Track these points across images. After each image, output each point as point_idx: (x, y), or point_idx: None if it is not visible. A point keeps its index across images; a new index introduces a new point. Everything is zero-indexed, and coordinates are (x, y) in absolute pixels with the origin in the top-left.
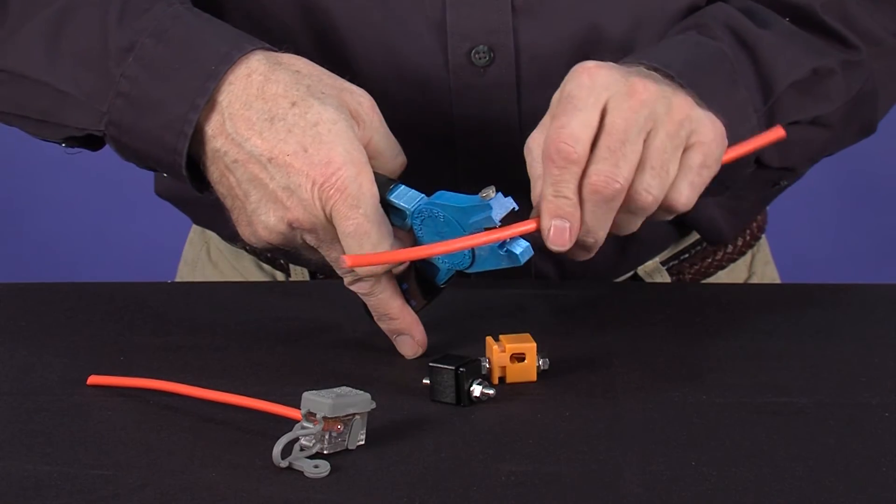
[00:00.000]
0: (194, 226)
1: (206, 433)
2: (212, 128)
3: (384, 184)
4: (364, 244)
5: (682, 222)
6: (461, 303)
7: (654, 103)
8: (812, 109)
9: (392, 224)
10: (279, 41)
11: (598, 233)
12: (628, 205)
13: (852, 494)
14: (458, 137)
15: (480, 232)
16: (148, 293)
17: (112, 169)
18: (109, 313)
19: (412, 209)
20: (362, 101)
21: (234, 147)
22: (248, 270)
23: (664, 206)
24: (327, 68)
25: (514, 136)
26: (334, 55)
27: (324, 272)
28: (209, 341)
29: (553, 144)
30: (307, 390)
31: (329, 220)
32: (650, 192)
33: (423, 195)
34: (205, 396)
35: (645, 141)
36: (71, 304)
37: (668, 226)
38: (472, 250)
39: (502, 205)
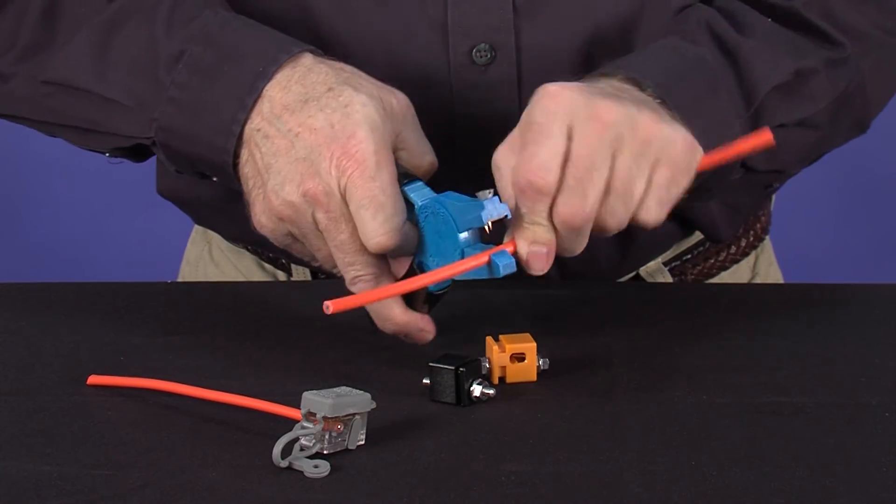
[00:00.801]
0: (196, 225)
1: (206, 433)
2: (251, 114)
3: (402, 175)
4: (378, 216)
5: (684, 219)
6: (461, 303)
7: (619, 125)
8: (797, 112)
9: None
10: None
11: (574, 250)
12: (594, 227)
13: (852, 494)
14: (458, 136)
15: (471, 230)
16: (148, 293)
17: (113, 169)
18: (109, 313)
19: (420, 204)
20: (399, 96)
21: (265, 124)
22: (249, 270)
23: (634, 224)
24: None
25: None
26: (335, 53)
27: (323, 272)
28: (209, 341)
29: (524, 177)
30: (307, 390)
31: (342, 195)
32: (615, 216)
33: (433, 194)
34: (205, 396)
35: (610, 165)
36: (71, 304)
37: (670, 226)
38: (462, 255)
39: (496, 207)
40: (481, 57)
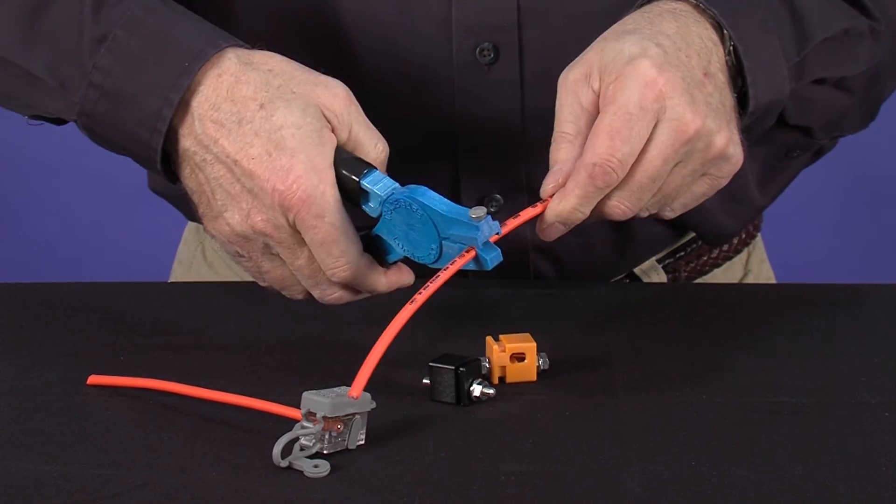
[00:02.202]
0: (189, 225)
1: (206, 433)
2: (182, 128)
3: (358, 168)
4: (333, 251)
5: (683, 225)
6: (461, 303)
7: (697, 141)
8: (840, 68)
9: (362, 209)
10: (285, 36)
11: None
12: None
13: (852, 494)
14: (460, 135)
15: (456, 243)
16: (148, 293)
17: (113, 169)
18: (109, 313)
19: (385, 196)
20: (337, 92)
21: (202, 149)
22: (244, 270)
23: (652, 215)
24: (331, 65)
25: (517, 135)
26: (339, 51)
27: (279, 290)
28: (209, 341)
29: (601, 163)
30: (307, 390)
31: (293, 227)
32: (648, 210)
33: (396, 183)
34: (205, 396)
35: (671, 169)
36: (71, 304)
37: (666, 226)
38: (440, 248)
39: (491, 228)
40: (485, 56)
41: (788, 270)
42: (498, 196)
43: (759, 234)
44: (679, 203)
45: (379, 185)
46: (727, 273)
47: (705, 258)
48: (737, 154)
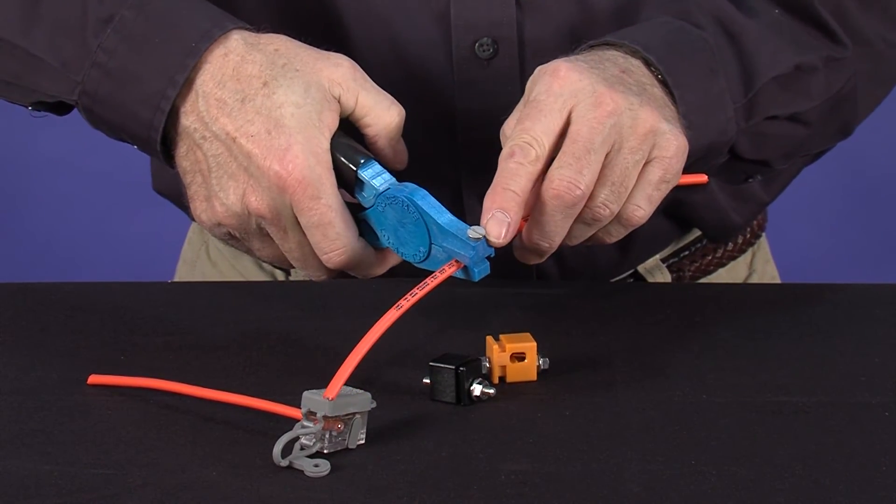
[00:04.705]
0: (193, 225)
1: (206, 433)
2: (185, 105)
3: (356, 158)
4: (328, 233)
5: (687, 221)
6: (461, 302)
7: (620, 115)
8: (791, 105)
9: (356, 199)
10: (284, 32)
11: (554, 239)
12: (584, 216)
13: (852, 494)
14: (460, 130)
15: (446, 254)
16: (148, 293)
17: (114, 169)
18: (109, 313)
19: (381, 189)
20: (341, 62)
21: (202, 126)
22: (247, 270)
23: (621, 220)
24: None
25: None
26: (339, 47)
27: (273, 265)
28: (209, 341)
29: (514, 143)
30: (307, 390)
31: (289, 209)
32: (607, 206)
33: (393, 178)
34: (205, 396)
35: (607, 154)
36: (71, 304)
37: (669, 223)
38: (429, 249)
39: (485, 250)
40: (484, 51)
41: (789, 270)
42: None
43: (763, 234)
44: (641, 196)
45: (377, 178)
46: (731, 273)
47: (710, 258)
48: (674, 135)
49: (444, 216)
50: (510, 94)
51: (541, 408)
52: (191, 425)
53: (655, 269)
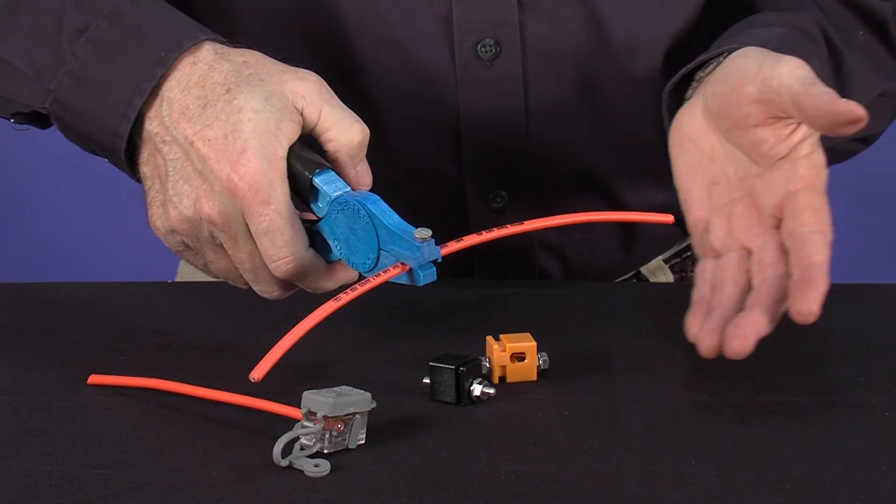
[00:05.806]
0: None
1: (206, 433)
2: (150, 111)
3: (312, 166)
4: (276, 240)
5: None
6: (461, 302)
7: None
8: (865, 130)
9: (310, 207)
10: (286, 36)
11: None
12: None
13: (852, 494)
14: (463, 131)
15: (394, 258)
16: (148, 293)
17: (114, 169)
18: (109, 313)
19: (334, 196)
20: (307, 76)
21: (164, 130)
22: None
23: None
24: (333, 62)
25: (521, 131)
26: (341, 49)
27: (228, 281)
28: (209, 341)
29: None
30: (307, 390)
31: (240, 214)
32: None
33: (348, 187)
34: (205, 396)
35: None
36: (71, 304)
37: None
38: (378, 258)
39: (431, 252)
40: (486, 52)
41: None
42: (503, 192)
43: None
44: None
45: (330, 185)
46: None
47: None
48: None
49: (392, 218)
50: (513, 94)
51: (541, 408)
52: (191, 425)
53: (658, 270)
